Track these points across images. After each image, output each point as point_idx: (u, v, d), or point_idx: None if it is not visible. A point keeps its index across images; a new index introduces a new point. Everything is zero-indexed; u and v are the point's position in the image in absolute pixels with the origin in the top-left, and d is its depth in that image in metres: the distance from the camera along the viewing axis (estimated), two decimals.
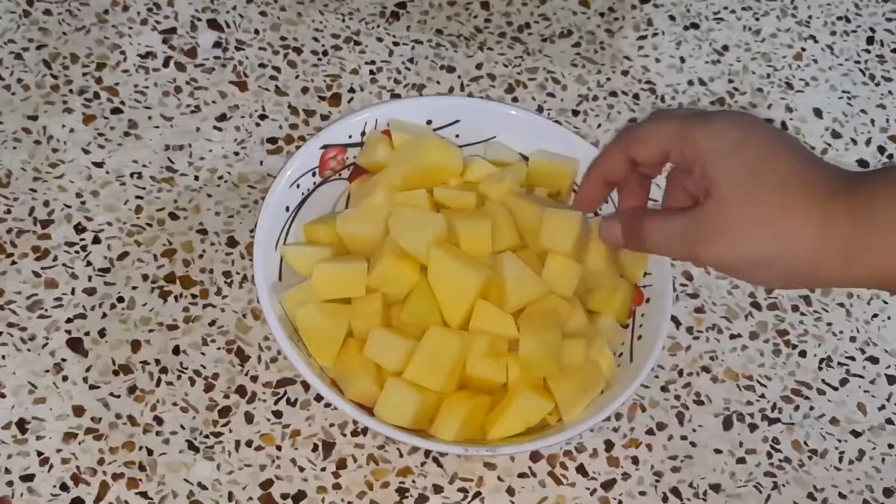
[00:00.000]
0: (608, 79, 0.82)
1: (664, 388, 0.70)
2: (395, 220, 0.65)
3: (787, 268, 0.56)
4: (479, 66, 0.81)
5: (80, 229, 0.71)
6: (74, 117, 0.75)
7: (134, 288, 0.70)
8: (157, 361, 0.67)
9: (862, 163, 0.81)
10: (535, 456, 0.67)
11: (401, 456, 0.66)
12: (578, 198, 0.65)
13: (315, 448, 0.66)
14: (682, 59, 0.84)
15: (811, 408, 0.71)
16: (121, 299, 0.69)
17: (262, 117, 0.77)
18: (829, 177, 0.56)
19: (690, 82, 0.83)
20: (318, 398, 0.67)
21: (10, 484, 0.63)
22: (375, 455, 0.66)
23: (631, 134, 0.61)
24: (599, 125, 0.80)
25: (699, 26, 0.86)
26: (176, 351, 0.68)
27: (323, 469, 0.65)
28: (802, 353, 0.73)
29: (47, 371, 0.66)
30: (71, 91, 0.76)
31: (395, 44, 0.82)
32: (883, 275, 0.54)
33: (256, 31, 0.81)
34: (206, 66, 0.79)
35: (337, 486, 0.65)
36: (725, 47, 0.85)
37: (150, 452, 0.65)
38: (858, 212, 0.54)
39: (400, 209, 0.66)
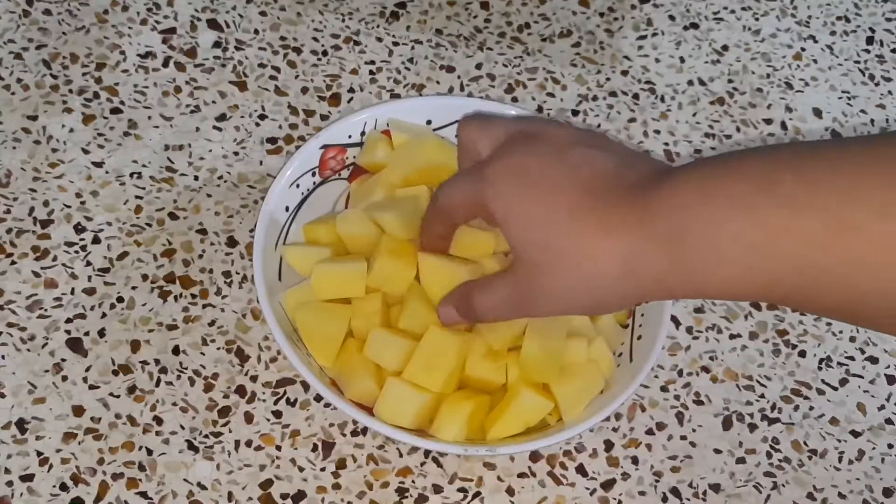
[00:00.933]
0: (608, 79, 0.82)
1: (664, 388, 0.70)
2: (387, 215, 0.65)
3: (614, 301, 0.56)
4: (478, 66, 0.81)
5: (79, 229, 0.71)
6: (74, 117, 0.75)
7: (134, 288, 0.70)
8: (157, 361, 0.67)
9: None
10: (534, 456, 0.67)
11: (400, 456, 0.66)
12: (421, 247, 0.65)
13: (315, 448, 0.66)
14: (682, 59, 0.84)
15: (811, 408, 0.71)
16: (120, 299, 0.69)
17: (262, 117, 0.77)
18: (617, 193, 0.54)
19: (690, 82, 0.83)
20: (318, 398, 0.67)
21: (9, 484, 0.63)
22: (375, 455, 0.66)
23: (439, 206, 0.62)
24: (599, 125, 0.80)
25: (699, 26, 0.86)
26: (176, 351, 0.68)
27: (323, 469, 0.65)
28: (802, 353, 0.73)
29: (47, 371, 0.66)
30: (71, 91, 0.76)
31: (395, 44, 0.82)
32: (700, 292, 0.53)
33: (256, 31, 0.81)
34: (206, 66, 0.79)
35: (337, 486, 0.65)
36: (725, 47, 0.85)
37: (149, 452, 0.65)
38: (663, 220, 0.52)
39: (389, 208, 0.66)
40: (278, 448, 0.66)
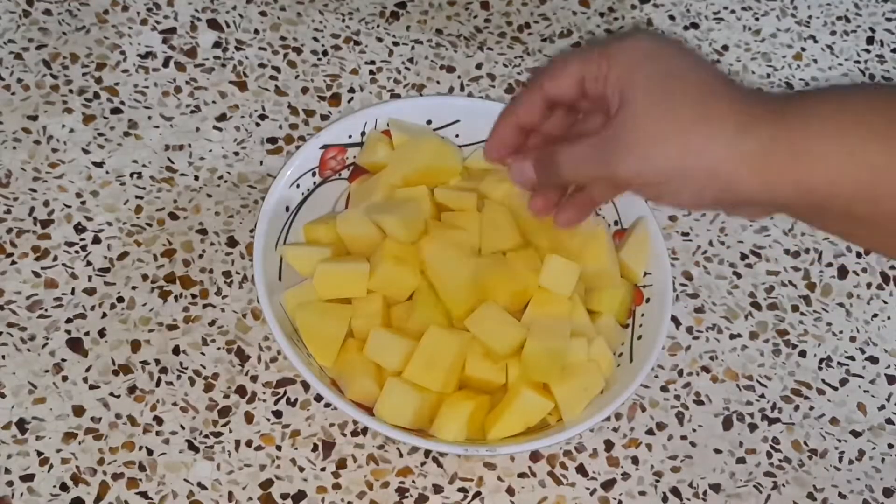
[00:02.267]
0: None
1: (664, 388, 0.70)
2: (388, 218, 0.65)
3: (702, 179, 0.53)
4: (479, 66, 0.81)
5: (80, 229, 0.71)
6: (74, 117, 0.75)
7: (134, 288, 0.70)
8: (157, 361, 0.67)
9: None
10: (535, 456, 0.67)
11: (401, 456, 0.66)
12: (489, 144, 0.62)
13: (315, 448, 0.66)
14: None
15: (811, 408, 0.71)
16: (121, 299, 0.69)
17: (262, 117, 0.77)
18: (751, 91, 0.55)
19: None
20: (318, 398, 0.67)
21: (10, 484, 0.63)
22: (375, 455, 0.66)
23: (544, 71, 0.60)
24: None
25: (699, 26, 0.86)
26: (176, 351, 0.68)
27: (323, 469, 0.65)
28: (802, 353, 0.73)
29: (47, 371, 0.66)
30: (71, 91, 0.76)
31: (395, 44, 0.82)
32: (802, 186, 0.52)
33: (256, 31, 0.81)
34: (206, 66, 0.79)
35: (337, 486, 0.65)
36: (725, 47, 0.85)
37: (150, 452, 0.65)
38: (782, 119, 0.52)
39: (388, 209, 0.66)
40: (278, 448, 0.66)
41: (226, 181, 0.74)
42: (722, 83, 0.54)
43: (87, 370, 0.67)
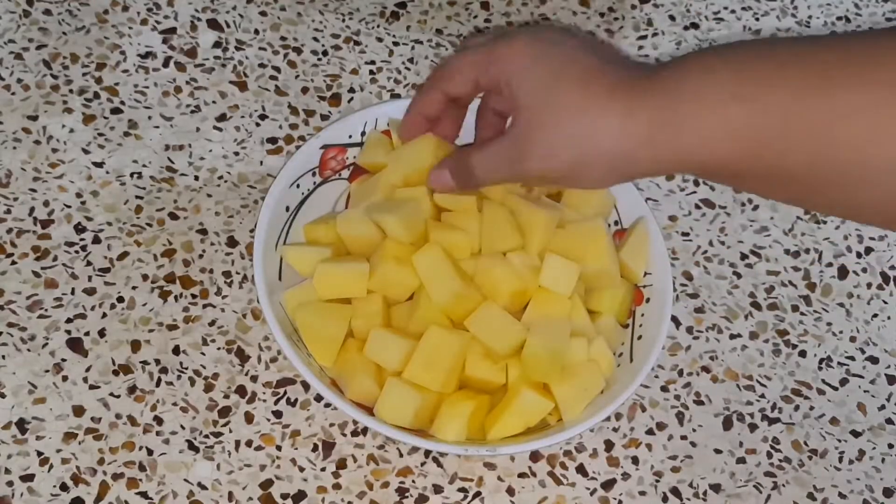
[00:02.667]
0: None
1: (664, 388, 0.70)
2: (388, 217, 0.65)
3: (604, 164, 0.57)
4: None
5: (80, 229, 0.71)
6: (74, 117, 0.75)
7: (134, 288, 0.70)
8: (157, 361, 0.67)
9: None
10: (535, 456, 0.67)
11: (401, 456, 0.66)
12: (400, 132, 0.68)
13: (315, 448, 0.66)
14: None
15: (811, 408, 0.71)
16: (121, 299, 0.69)
17: (262, 117, 0.77)
18: (631, 70, 0.58)
19: None
20: (318, 398, 0.67)
21: (10, 484, 0.63)
22: (375, 455, 0.66)
23: (442, 72, 0.64)
24: None
25: (699, 26, 0.86)
26: (176, 351, 0.68)
27: (323, 469, 0.65)
28: (802, 353, 0.73)
29: (47, 371, 0.66)
30: (71, 91, 0.76)
31: (395, 44, 0.82)
32: (686, 155, 0.55)
33: (256, 31, 0.81)
34: (206, 66, 0.79)
35: (337, 486, 0.65)
36: None
37: (150, 452, 0.65)
38: (662, 91, 0.55)
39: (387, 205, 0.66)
40: (278, 448, 0.66)
41: (226, 181, 0.74)
42: (600, 69, 0.58)
43: (87, 370, 0.67)
